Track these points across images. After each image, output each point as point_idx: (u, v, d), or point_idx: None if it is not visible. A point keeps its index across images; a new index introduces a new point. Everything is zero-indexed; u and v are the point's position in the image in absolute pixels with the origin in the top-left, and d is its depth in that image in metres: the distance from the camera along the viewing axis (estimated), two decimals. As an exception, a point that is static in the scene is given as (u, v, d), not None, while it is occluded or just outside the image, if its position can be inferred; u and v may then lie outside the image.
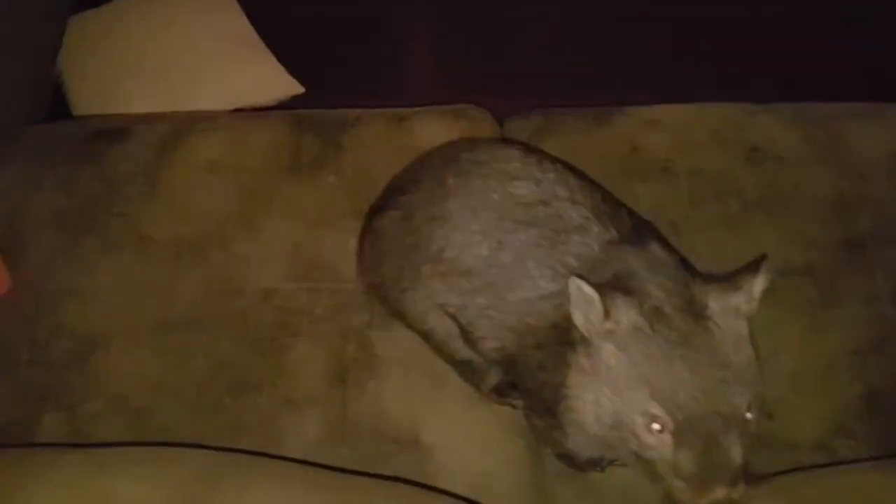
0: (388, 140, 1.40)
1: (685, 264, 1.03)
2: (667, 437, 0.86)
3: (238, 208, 1.34)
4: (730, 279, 0.94)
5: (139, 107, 1.65)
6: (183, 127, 1.45)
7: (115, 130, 1.47)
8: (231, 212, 1.33)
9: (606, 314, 0.89)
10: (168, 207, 1.35)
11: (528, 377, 1.07)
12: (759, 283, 0.93)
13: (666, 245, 1.05)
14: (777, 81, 1.70)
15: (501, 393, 1.19)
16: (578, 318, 0.92)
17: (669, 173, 1.36)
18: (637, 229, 1.06)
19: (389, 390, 1.20)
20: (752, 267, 0.93)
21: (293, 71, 1.77)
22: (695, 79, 1.66)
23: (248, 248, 1.30)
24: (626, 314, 0.89)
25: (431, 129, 1.41)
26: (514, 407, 1.18)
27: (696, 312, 0.90)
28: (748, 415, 0.87)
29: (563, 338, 0.97)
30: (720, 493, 0.84)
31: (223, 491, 0.73)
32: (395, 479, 1.00)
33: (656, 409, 0.86)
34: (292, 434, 1.16)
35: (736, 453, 0.85)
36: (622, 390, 0.89)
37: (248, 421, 1.17)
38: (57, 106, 1.72)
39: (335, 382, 1.20)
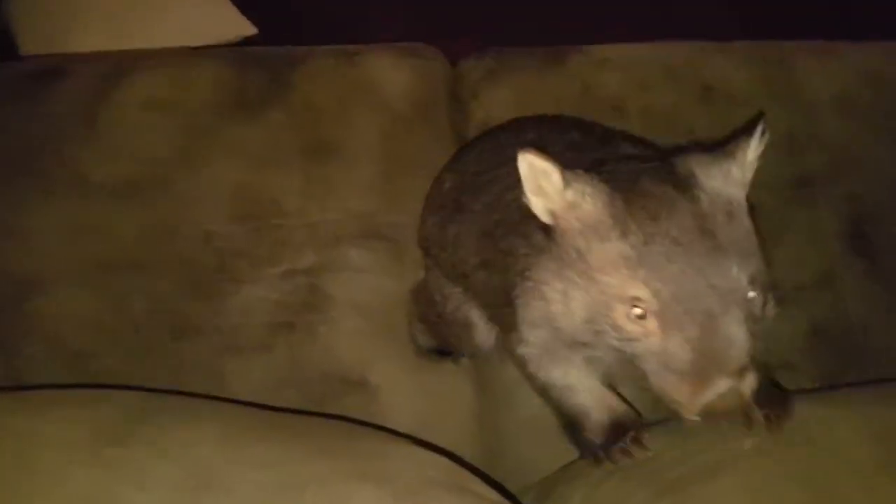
0: (337, 77, 1.36)
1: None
2: (652, 323, 0.73)
3: (179, 148, 1.29)
4: (718, 148, 0.83)
5: (87, 46, 1.59)
6: (123, 65, 1.39)
7: (53, 70, 1.41)
8: (172, 151, 1.29)
9: (567, 182, 0.77)
10: (107, 148, 1.31)
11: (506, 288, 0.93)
12: (752, 146, 0.80)
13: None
14: (731, 20, 1.68)
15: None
16: (535, 201, 0.79)
17: (621, 112, 1.34)
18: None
19: (340, 333, 1.18)
20: (746, 130, 0.81)
21: (245, 11, 1.71)
22: (648, 18, 1.63)
23: (189, 188, 1.26)
24: (590, 184, 0.77)
25: (382, 66, 1.37)
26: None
27: (678, 182, 0.78)
28: (751, 293, 0.73)
29: (528, 230, 0.86)
30: (723, 384, 0.69)
31: (146, 431, 0.71)
32: (339, 417, 0.99)
33: (636, 290, 0.73)
34: (237, 378, 1.14)
35: (739, 334, 0.70)
36: (593, 274, 0.76)
37: (191, 365, 1.15)
38: (3, 46, 1.65)
39: (282, 327, 1.19)
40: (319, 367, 1.16)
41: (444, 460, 0.73)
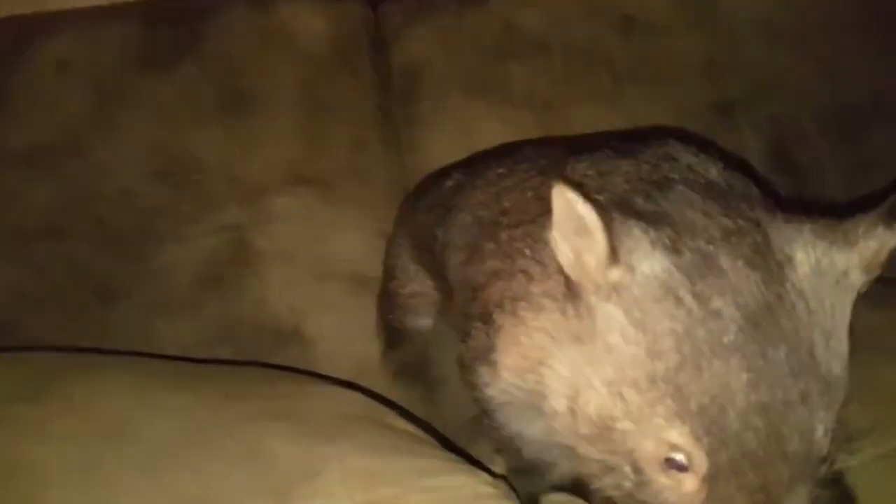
0: (251, 26, 1.32)
1: (755, 181, 0.70)
2: (691, 483, 0.55)
3: (93, 109, 1.25)
4: (835, 222, 0.60)
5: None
6: (26, 29, 1.34)
7: (-45, 37, 1.35)
8: (86, 114, 1.25)
9: (613, 255, 0.56)
10: (18, 114, 1.26)
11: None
12: (888, 238, 0.59)
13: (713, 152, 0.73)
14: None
15: None
16: (564, 253, 0.59)
17: (544, 49, 1.33)
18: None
19: (271, 286, 1.17)
20: (880, 207, 0.60)
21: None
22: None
23: (105, 150, 1.22)
24: (649, 258, 0.56)
25: (298, 13, 1.33)
26: None
27: (771, 269, 0.56)
28: (825, 451, 0.56)
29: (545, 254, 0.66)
30: None
31: (58, 386, 0.70)
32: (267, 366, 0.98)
33: (682, 438, 0.54)
34: (167, 337, 1.12)
35: None
36: (624, 387, 0.56)
37: (119, 328, 1.13)
38: None
39: (210, 284, 1.17)
40: (252, 322, 1.14)
41: (359, 396, 0.72)
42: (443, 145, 1.24)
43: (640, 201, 0.63)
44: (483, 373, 0.71)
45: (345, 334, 1.15)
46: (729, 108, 1.26)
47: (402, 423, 0.69)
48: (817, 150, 1.26)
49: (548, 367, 0.62)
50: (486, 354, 0.70)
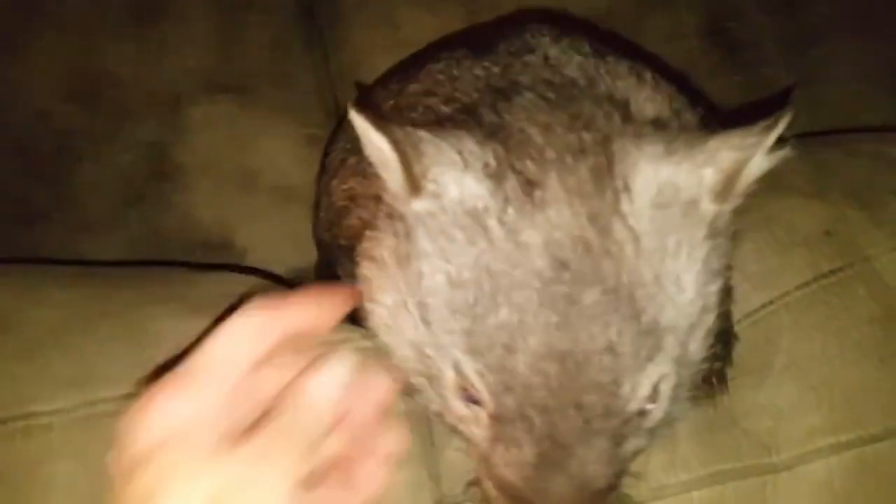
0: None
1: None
2: (483, 417, 0.53)
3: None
4: (696, 137, 0.54)
5: None
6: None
7: None
8: (-9, 36, 1.19)
9: (415, 184, 0.53)
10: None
11: None
12: (743, 156, 0.52)
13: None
14: None
15: None
16: (382, 178, 0.56)
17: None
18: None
19: (196, 198, 1.13)
20: (762, 109, 0.53)
21: None
22: None
23: (15, 71, 1.17)
24: (458, 184, 0.52)
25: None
26: None
27: (604, 199, 0.51)
28: (649, 405, 0.52)
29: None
30: None
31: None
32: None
33: (470, 373, 0.52)
34: (92, 257, 1.08)
35: (597, 473, 0.51)
36: (430, 315, 0.53)
37: (43, 251, 1.09)
38: None
39: (133, 201, 1.13)
40: (179, 237, 1.11)
41: (255, 280, 0.70)
42: (369, 42, 1.19)
43: (485, 112, 0.59)
44: None
45: (275, 245, 1.12)
46: (663, -16, 1.21)
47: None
48: (755, 24, 1.22)
49: (377, 307, 0.58)
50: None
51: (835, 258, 0.65)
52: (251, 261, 1.11)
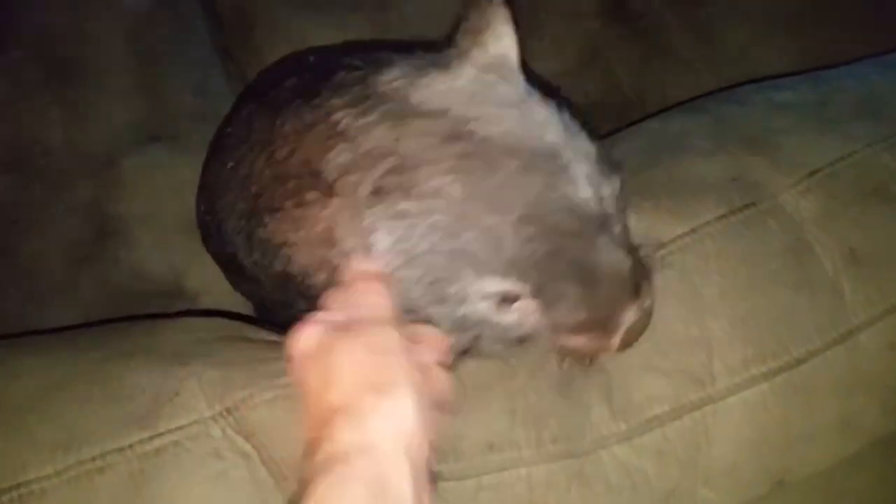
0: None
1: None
2: (528, 304, 0.61)
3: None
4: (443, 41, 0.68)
5: None
6: None
7: None
8: None
9: None
10: None
11: None
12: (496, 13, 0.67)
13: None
14: None
15: None
16: None
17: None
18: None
19: (143, 250, 1.15)
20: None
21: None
22: None
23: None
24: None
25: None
26: None
27: (440, 126, 0.61)
28: (604, 186, 0.63)
29: None
30: (629, 317, 0.61)
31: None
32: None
33: (496, 285, 0.60)
34: (49, 324, 1.10)
35: (619, 258, 0.61)
36: (436, 267, 0.61)
37: (1, 327, 1.10)
38: None
39: (81, 263, 1.14)
40: (131, 290, 1.13)
41: (218, 320, 0.73)
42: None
43: None
44: None
45: (226, 284, 1.14)
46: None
47: (263, 334, 0.69)
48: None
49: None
50: None
51: (744, 196, 0.70)
52: (205, 303, 1.13)
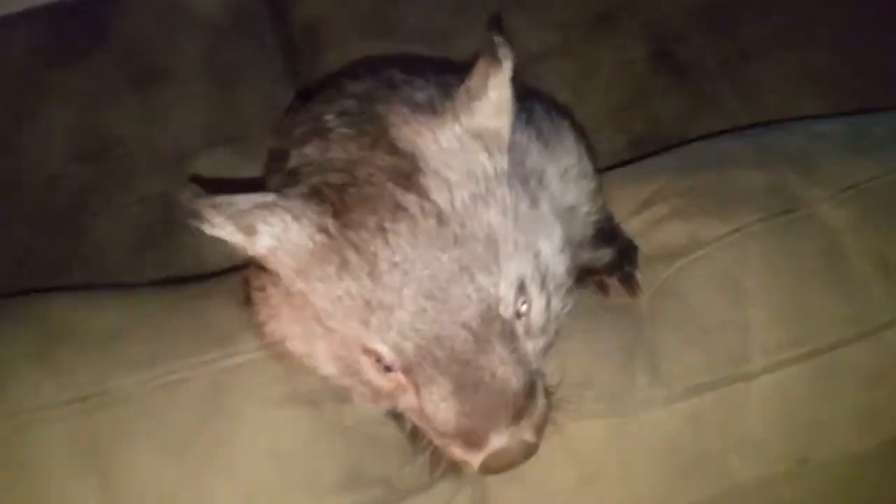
0: (153, 7, 1.38)
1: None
2: (400, 377, 0.61)
3: (9, 106, 1.30)
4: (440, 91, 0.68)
5: None
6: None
7: None
8: (3, 110, 1.29)
9: (248, 231, 0.64)
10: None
11: None
12: (491, 83, 0.62)
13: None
14: None
15: None
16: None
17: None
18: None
19: (203, 239, 1.21)
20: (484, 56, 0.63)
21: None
22: None
23: (26, 140, 1.27)
24: (284, 223, 0.62)
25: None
26: None
27: (400, 168, 0.61)
28: (520, 304, 0.61)
29: None
30: (498, 441, 0.58)
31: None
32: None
33: (372, 343, 0.60)
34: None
35: (507, 374, 0.58)
36: (328, 322, 0.61)
37: (65, 300, 1.17)
38: None
39: (146, 248, 1.21)
40: (192, 273, 1.19)
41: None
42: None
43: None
44: None
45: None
46: (609, 18, 1.35)
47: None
48: (697, 46, 1.36)
49: (292, 347, 0.66)
50: None
51: (784, 204, 0.76)
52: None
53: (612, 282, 0.77)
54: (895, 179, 0.79)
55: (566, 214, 0.72)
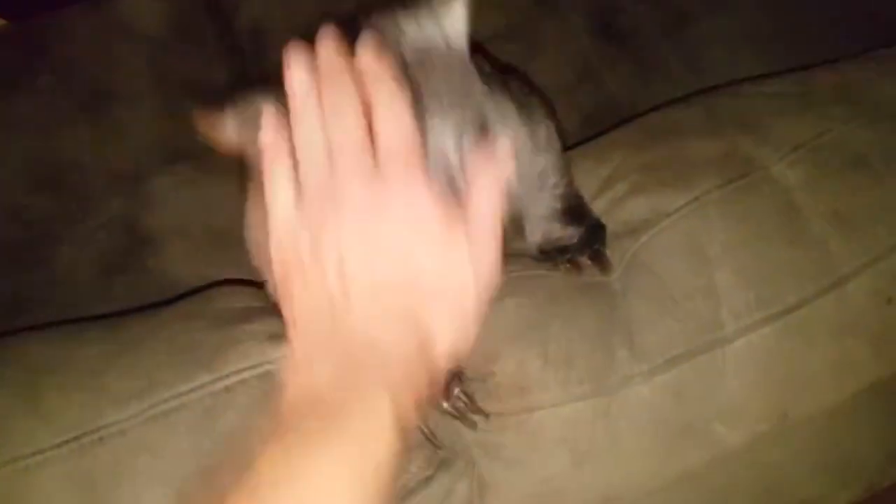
0: (91, 27, 1.36)
1: None
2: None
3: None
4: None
5: None
6: None
7: None
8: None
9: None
10: None
11: None
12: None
13: None
14: None
15: None
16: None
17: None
18: None
19: (172, 261, 1.21)
20: None
21: None
22: None
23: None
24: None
25: (133, 4, 1.37)
26: None
27: None
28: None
29: None
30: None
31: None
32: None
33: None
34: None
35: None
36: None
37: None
38: None
39: (113, 272, 1.21)
40: (162, 297, 1.19)
41: (253, 290, 0.80)
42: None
43: None
44: None
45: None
46: (550, -3, 1.37)
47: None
48: (636, 15, 1.38)
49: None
50: None
51: (738, 169, 0.79)
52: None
53: (584, 260, 0.80)
54: (840, 134, 0.82)
55: (536, 181, 0.78)
